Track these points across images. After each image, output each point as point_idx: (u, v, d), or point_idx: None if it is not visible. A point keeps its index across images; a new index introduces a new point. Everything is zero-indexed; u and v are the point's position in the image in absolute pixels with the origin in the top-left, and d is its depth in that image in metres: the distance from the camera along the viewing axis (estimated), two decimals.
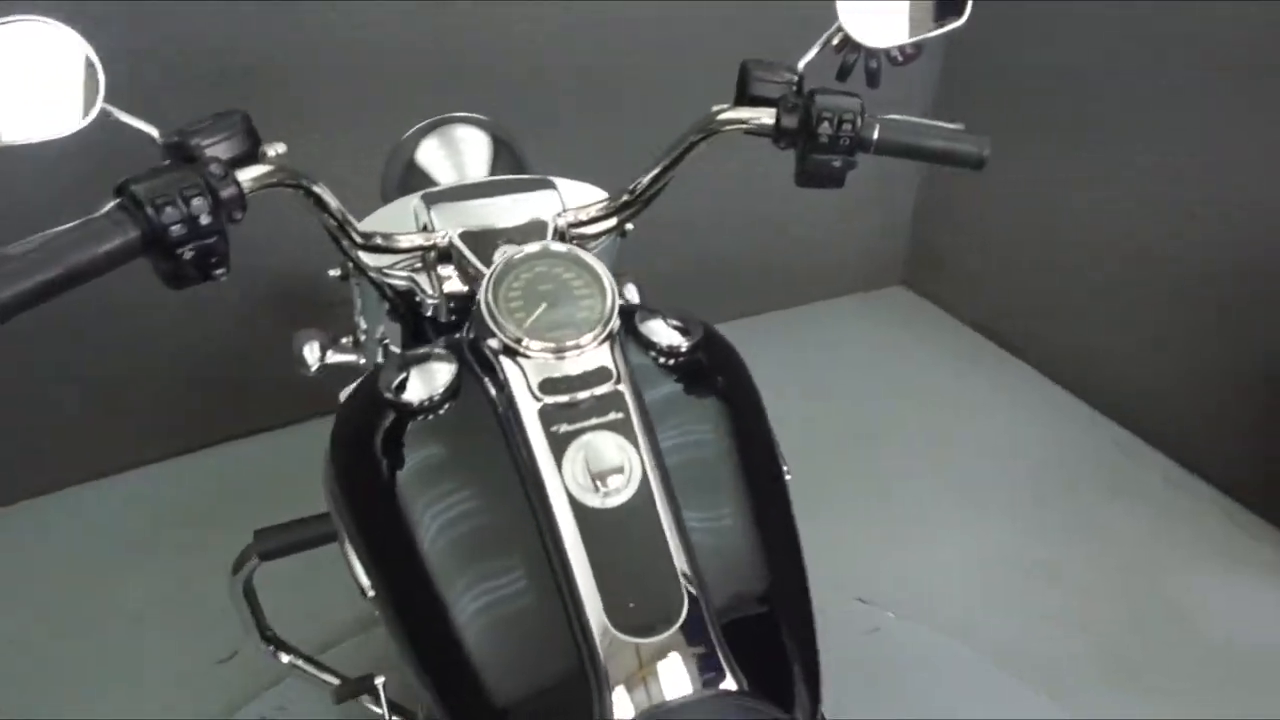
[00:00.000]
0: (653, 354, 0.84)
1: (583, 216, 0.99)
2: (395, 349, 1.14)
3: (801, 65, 0.91)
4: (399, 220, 1.03)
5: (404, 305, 1.02)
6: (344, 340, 1.25)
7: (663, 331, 0.87)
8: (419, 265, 0.97)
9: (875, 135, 0.86)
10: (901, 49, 0.90)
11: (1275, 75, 1.87)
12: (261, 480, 2.09)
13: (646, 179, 0.96)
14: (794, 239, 2.75)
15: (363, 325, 1.20)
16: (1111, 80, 2.21)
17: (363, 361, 1.24)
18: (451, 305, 0.95)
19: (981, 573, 1.97)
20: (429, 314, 0.98)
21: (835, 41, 0.91)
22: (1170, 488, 2.19)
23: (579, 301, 0.81)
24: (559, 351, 0.76)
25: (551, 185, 1.01)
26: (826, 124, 0.84)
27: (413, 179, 1.23)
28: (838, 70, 0.93)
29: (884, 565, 1.95)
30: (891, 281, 3.10)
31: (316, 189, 0.83)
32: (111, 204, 0.68)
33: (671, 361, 0.85)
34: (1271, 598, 1.90)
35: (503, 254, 0.83)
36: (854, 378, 2.65)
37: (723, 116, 0.90)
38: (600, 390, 0.75)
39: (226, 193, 0.71)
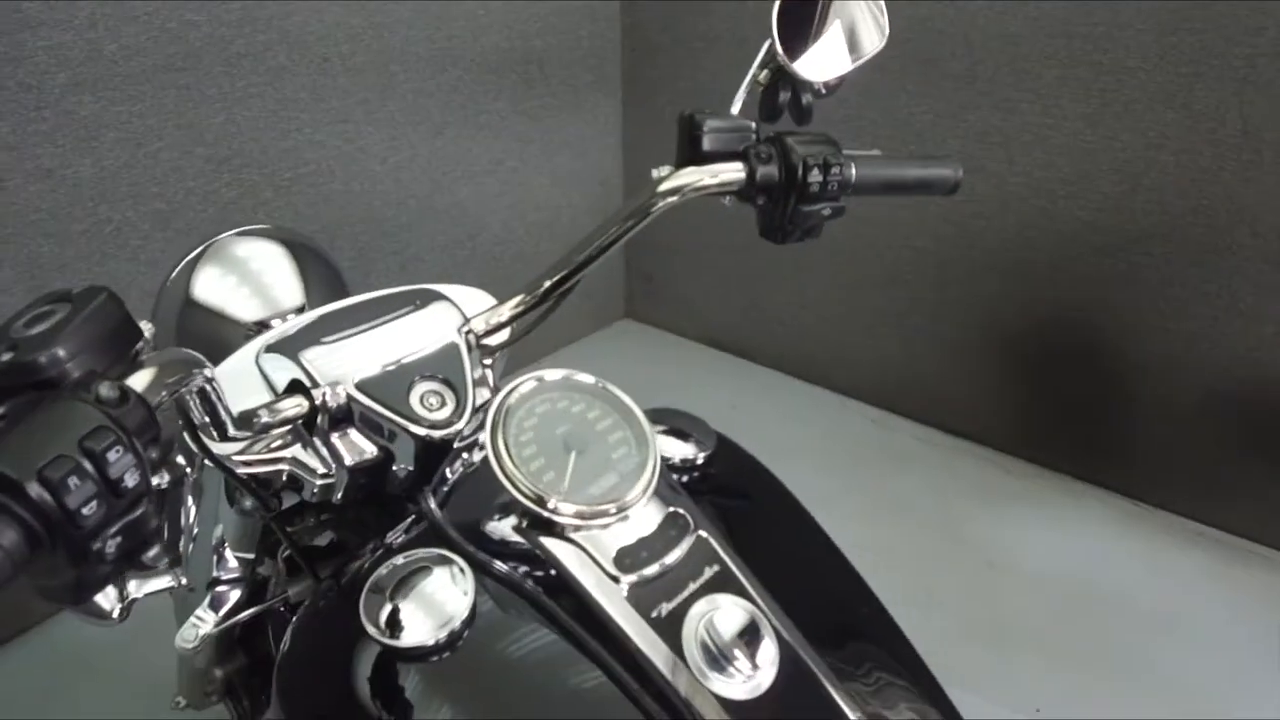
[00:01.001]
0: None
1: (495, 321, 0.79)
2: (235, 556, 0.86)
3: (736, 110, 0.80)
4: (239, 384, 0.75)
5: (270, 495, 0.75)
6: (149, 559, 0.91)
7: (667, 443, 0.73)
8: (288, 439, 0.72)
9: (854, 175, 0.77)
10: (826, 81, 0.82)
11: (934, 70, 2.11)
12: None
13: (574, 263, 0.79)
14: None
15: (195, 531, 0.88)
16: None
17: (184, 581, 0.91)
18: (361, 481, 0.71)
19: None
20: (313, 498, 0.73)
21: (763, 79, 0.81)
22: (936, 450, 2.39)
23: (607, 440, 0.64)
24: (606, 516, 0.59)
25: (439, 295, 0.80)
26: (816, 170, 0.74)
27: (207, 328, 0.92)
28: (765, 109, 0.82)
29: None
30: (617, 316, 3.09)
31: (211, 374, 0.57)
32: None
33: (686, 479, 0.72)
34: (1058, 528, 2.13)
35: (502, 392, 0.64)
36: None
37: (677, 183, 0.76)
38: (684, 546, 0.60)
39: (135, 422, 0.44)
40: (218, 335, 0.91)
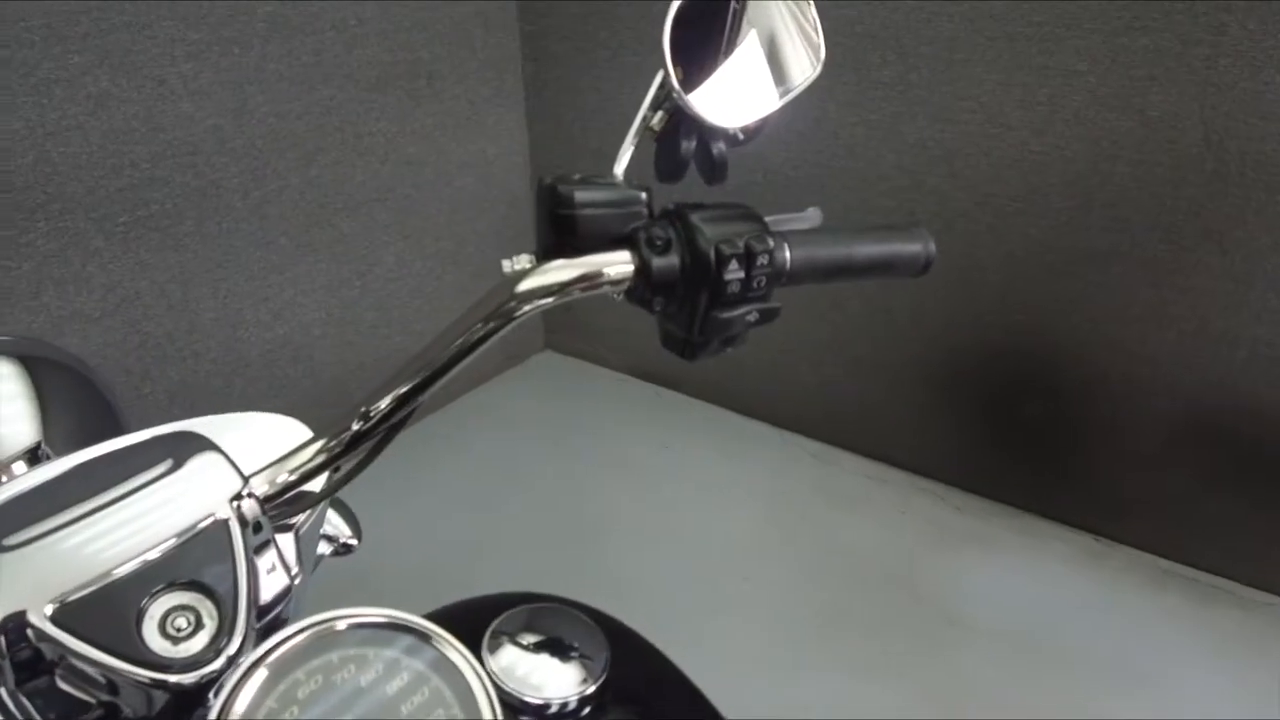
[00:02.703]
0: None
1: (284, 480, 0.52)
2: None
3: (620, 171, 0.57)
4: None
5: None
6: None
7: (545, 677, 0.50)
8: None
9: (789, 262, 0.54)
10: (745, 126, 0.59)
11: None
12: None
13: (403, 389, 0.53)
14: (425, 335, 2.37)
15: None
16: None
17: None
18: None
19: (760, 623, 1.79)
20: None
21: (657, 124, 0.58)
22: (885, 488, 2.20)
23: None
24: None
25: (204, 444, 0.53)
26: (735, 263, 0.51)
27: None
28: (664, 165, 0.59)
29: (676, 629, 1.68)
30: (536, 349, 2.84)
31: None
32: None
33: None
34: (1019, 573, 1.95)
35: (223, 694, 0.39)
36: (536, 453, 2.39)
37: (539, 282, 0.53)
38: None
39: None
40: None
